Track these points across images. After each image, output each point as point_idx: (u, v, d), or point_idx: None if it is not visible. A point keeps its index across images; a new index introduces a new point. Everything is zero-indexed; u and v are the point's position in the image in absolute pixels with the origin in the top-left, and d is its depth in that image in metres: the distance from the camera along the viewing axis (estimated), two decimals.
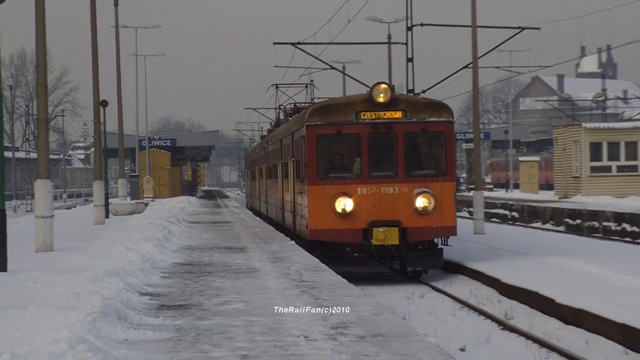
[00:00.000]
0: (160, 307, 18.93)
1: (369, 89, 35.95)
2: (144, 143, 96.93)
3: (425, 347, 14.31)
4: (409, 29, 48.96)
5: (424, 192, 28.86)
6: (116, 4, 68.47)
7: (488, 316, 25.88)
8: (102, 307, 16.52)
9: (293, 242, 39.97)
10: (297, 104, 56.44)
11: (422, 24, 50.31)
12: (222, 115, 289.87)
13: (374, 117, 29.66)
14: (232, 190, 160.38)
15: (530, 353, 20.55)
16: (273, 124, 68.65)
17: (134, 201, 72.44)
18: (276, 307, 18.69)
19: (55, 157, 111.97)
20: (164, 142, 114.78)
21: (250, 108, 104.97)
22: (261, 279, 23.84)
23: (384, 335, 15.35)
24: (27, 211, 47.09)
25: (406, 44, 52.61)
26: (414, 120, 29.44)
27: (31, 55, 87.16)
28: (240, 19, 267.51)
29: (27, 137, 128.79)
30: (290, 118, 53.94)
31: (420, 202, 28.88)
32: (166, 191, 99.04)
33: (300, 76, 67.52)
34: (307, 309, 18.30)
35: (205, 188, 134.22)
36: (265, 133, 77.92)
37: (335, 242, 30.96)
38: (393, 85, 30.06)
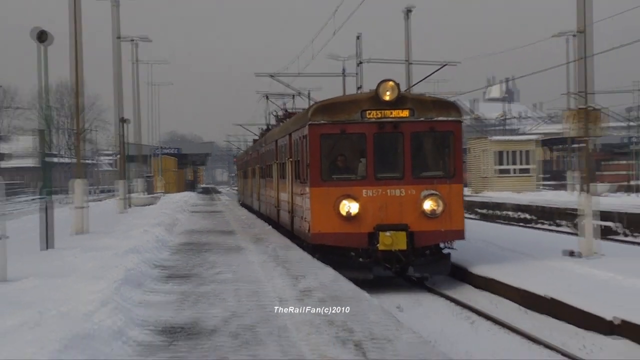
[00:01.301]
0: (169, 277, 18.92)
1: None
2: (157, 151, 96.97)
3: (371, 306, 14.39)
4: (359, 64, 49.04)
5: (432, 194, 22.14)
6: (135, 44, 68.21)
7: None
8: (125, 277, 16.57)
9: (270, 227, 37.24)
10: (287, 110, 47.95)
11: (368, 60, 50.38)
12: (216, 129, 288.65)
13: (379, 116, 22.70)
14: (223, 187, 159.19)
15: (450, 310, 20.51)
16: (264, 129, 57.59)
17: (149, 195, 72.17)
18: (257, 277, 18.74)
19: (88, 161, 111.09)
20: (172, 151, 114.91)
21: (238, 124, 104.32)
22: (246, 255, 23.85)
23: (339, 297, 15.38)
24: (68, 203, 46.81)
25: (357, 75, 54.48)
26: (422, 119, 22.64)
27: (71, 84, 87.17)
28: (230, 53, 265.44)
29: (68, 146, 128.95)
30: (282, 122, 43.61)
31: (428, 205, 22.13)
32: (173, 188, 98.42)
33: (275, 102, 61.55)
34: (280, 279, 18.32)
35: (203, 185, 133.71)
36: (257, 137, 64.72)
37: (339, 246, 23.05)
38: (399, 84, 23.24)
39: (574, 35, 50.38)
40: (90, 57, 41.21)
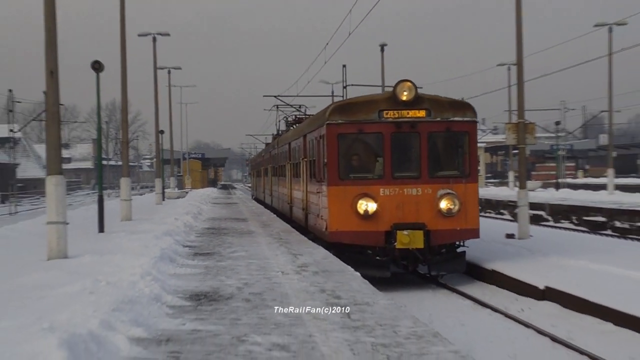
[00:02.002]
0: (195, 254, 18.92)
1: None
2: (185, 156, 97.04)
3: (354, 277, 14.42)
4: (344, 87, 48.95)
5: (448, 193, 18.76)
6: (169, 72, 68.06)
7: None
8: (161, 254, 16.56)
9: (275, 215, 36.30)
10: (297, 116, 43.14)
11: (352, 85, 50.25)
12: (232, 138, 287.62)
13: (397, 116, 19.02)
14: (238, 184, 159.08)
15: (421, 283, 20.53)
16: (275, 134, 52.31)
17: (179, 190, 72.28)
18: (265, 254, 18.77)
19: (132, 164, 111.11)
20: (197, 155, 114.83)
21: (249, 134, 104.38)
22: (255, 237, 23.80)
23: (329, 271, 15.40)
24: (116, 197, 46.70)
25: (343, 97, 54.32)
26: (438, 119, 19.07)
27: (118, 103, 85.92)
28: (244, 77, 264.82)
29: (115, 152, 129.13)
30: (292, 127, 39.49)
31: (445, 204, 18.70)
32: (198, 185, 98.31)
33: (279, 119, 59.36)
34: (283, 256, 18.35)
35: (222, 183, 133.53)
36: (266, 143, 60.85)
37: (356, 244, 19.29)
38: (416, 84, 19.70)
39: (513, 64, 50.68)
40: (134, 82, 41.41)
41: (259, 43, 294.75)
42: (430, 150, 19.15)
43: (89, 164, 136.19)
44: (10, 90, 78.64)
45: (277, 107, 50.46)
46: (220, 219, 34.51)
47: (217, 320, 10.54)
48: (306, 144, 24.84)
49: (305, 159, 24.77)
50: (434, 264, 19.11)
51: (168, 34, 55.16)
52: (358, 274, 15.37)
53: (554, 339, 13.66)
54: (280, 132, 48.95)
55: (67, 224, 17.57)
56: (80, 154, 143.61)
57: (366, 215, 18.65)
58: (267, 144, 58.32)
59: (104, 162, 55.90)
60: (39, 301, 11.14)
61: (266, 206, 47.57)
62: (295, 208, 29.56)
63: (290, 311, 11.10)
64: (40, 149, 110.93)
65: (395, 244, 18.29)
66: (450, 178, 19.11)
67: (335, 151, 19.09)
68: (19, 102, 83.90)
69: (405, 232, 18.20)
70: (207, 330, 9.92)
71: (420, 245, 18.30)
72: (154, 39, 54.49)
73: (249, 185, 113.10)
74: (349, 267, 16.34)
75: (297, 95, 50.33)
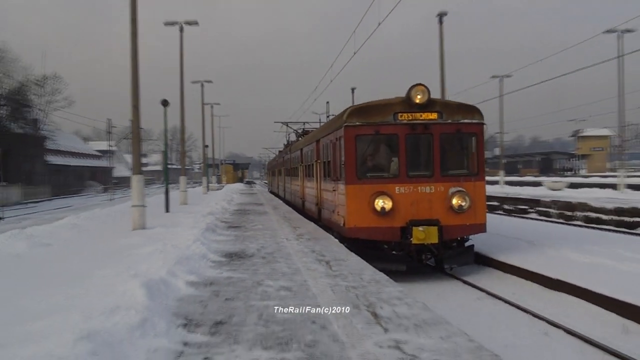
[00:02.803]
0: (229, 227, 18.84)
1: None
2: (223, 162, 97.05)
3: (334, 242, 14.39)
4: (327, 117, 48.52)
5: (459, 191, 14.72)
6: (212, 107, 67.88)
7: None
8: (206, 227, 16.48)
9: (281, 200, 36.08)
10: (305, 129, 37.72)
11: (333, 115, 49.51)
12: (253, 148, 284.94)
13: (411, 118, 14.96)
14: (257, 180, 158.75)
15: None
16: (286, 144, 45.54)
17: (218, 185, 72.12)
18: (274, 227, 18.72)
19: (187, 167, 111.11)
20: (230, 161, 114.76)
21: (265, 147, 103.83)
22: (269, 216, 23.74)
23: (318, 238, 15.34)
24: (177, 189, 46.86)
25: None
26: (449, 121, 14.98)
27: (177, 127, 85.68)
28: (261, 104, 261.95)
29: (176, 159, 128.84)
30: (301, 137, 33.76)
31: (457, 201, 14.63)
32: (231, 181, 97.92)
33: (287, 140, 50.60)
34: (287, 228, 18.29)
35: (247, 180, 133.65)
36: (279, 150, 53.36)
37: (372, 239, 14.92)
38: (429, 88, 15.47)
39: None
40: (188, 112, 41.33)
41: (279, 75, 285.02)
42: (442, 151, 14.84)
43: (159, 167, 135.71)
44: (109, 119, 79.74)
45: (287, 124, 45.49)
46: (245, 203, 34.47)
47: (243, 271, 10.52)
48: (319, 148, 19.98)
49: (319, 161, 20.09)
50: (447, 257, 14.71)
51: (211, 81, 54.98)
52: (335, 239, 14.92)
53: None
54: (290, 142, 43.60)
55: (145, 206, 17.53)
56: (154, 160, 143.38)
57: (383, 212, 14.20)
58: (280, 151, 51.61)
59: (169, 166, 55.99)
60: (127, 257, 11.12)
61: (279, 198, 42.56)
62: (307, 203, 24.25)
63: (292, 265, 11.10)
64: (128, 157, 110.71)
65: (411, 239, 13.96)
66: (460, 176, 14.83)
67: (353, 152, 14.61)
68: (114, 127, 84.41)
69: (420, 228, 13.95)
70: (237, 277, 9.90)
71: (435, 240, 14.08)
72: (202, 85, 54.34)
73: (265, 182, 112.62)
74: (331, 236, 15.84)
75: (298, 122, 47.67)
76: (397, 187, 14.34)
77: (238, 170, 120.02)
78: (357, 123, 14.33)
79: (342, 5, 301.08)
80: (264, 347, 5.94)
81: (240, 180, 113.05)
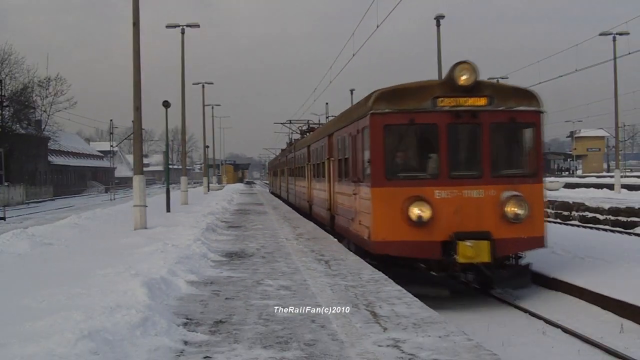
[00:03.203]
0: (229, 227, 18.83)
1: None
2: (223, 162, 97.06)
3: (334, 242, 14.34)
4: (327, 118, 48.57)
5: (514, 196, 10.66)
6: (212, 108, 67.87)
7: None
8: (207, 226, 16.47)
9: (281, 201, 35.66)
10: (310, 125, 34.18)
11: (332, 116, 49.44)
12: (254, 149, 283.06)
13: (454, 104, 10.76)
14: (257, 181, 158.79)
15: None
16: (289, 142, 42.19)
17: (219, 185, 72.05)
18: (274, 227, 18.69)
19: (188, 167, 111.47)
20: (230, 162, 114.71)
21: (265, 148, 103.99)
22: (269, 216, 23.73)
23: (317, 238, 15.32)
24: (177, 189, 46.71)
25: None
26: (502, 108, 10.79)
27: (179, 128, 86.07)
28: (261, 103, 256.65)
29: (177, 159, 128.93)
30: (305, 135, 30.16)
31: (512, 208, 10.58)
32: (231, 181, 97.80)
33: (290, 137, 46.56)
34: (286, 228, 18.27)
35: (247, 180, 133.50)
36: (284, 147, 47.65)
37: (406, 257, 10.92)
38: (477, 66, 10.53)
39: None
40: (189, 113, 41.31)
41: (279, 76, 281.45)
42: (493, 145, 11.33)
43: (160, 168, 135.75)
44: (111, 120, 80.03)
45: (290, 121, 41.66)
46: (245, 203, 34.44)
47: (243, 270, 10.49)
48: (332, 144, 16.68)
49: (332, 159, 16.73)
50: (500, 279, 11.07)
51: (212, 83, 54.94)
52: (335, 239, 14.58)
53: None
54: (293, 140, 39.42)
55: (146, 206, 17.49)
56: (155, 161, 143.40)
57: (419, 222, 10.77)
58: (282, 150, 46.93)
59: (170, 167, 55.82)
60: (129, 256, 11.08)
61: (282, 200, 38.75)
62: (316, 207, 20.89)
63: (291, 264, 11.07)
64: (129, 158, 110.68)
65: (456, 256, 10.53)
66: (514, 177, 11.34)
67: (381, 146, 11.18)
68: (116, 127, 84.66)
69: (468, 243, 10.52)
70: (237, 276, 9.87)
71: (487, 258, 10.56)
72: (203, 86, 54.33)
73: (265, 182, 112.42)
74: (330, 235, 15.50)
75: (300, 120, 42.20)
76: (436, 191, 10.98)
77: (238, 170, 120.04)
78: (387, 110, 11.10)
79: (341, 6, 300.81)
80: (263, 345, 5.92)
81: (241, 180, 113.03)
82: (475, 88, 11.09)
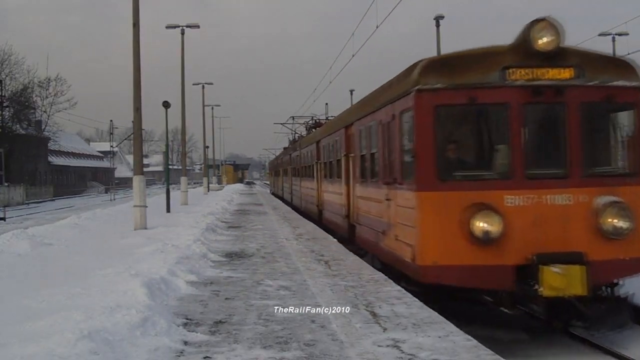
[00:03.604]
0: (229, 227, 18.82)
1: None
2: (223, 162, 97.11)
3: (333, 242, 14.31)
4: (327, 118, 48.38)
5: (614, 202, 6.79)
6: (212, 108, 67.86)
7: None
8: (206, 227, 16.45)
9: (281, 201, 35.55)
10: (315, 120, 30.74)
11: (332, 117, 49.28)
12: (253, 149, 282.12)
13: (531, 76, 6.79)
14: (257, 181, 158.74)
15: None
16: (292, 139, 38.00)
17: (219, 185, 72.07)
18: (274, 227, 18.69)
19: (188, 168, 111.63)
20: (230, 162, 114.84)
21: (265, 148, 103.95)
22: (268, 216, 23.72)
23: (317, 238, 15.31)
24: (177, 189, 46.63)
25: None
26: (594, 83, 6.76)
27: (179, 128, 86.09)
28: (260, 103, 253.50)
29: (177, 159, 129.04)
30: (312, 130, 27.45)
31: (612, 218, 6.64)
32: (231, 181, 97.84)
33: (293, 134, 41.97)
34: (286, 228, 18.26)
35: (247, 180, 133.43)
36: (286, 146, 42.92)
37: (468, 287, 7.09)
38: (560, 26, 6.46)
39: None
40: (189, 113, 41.35)
41: (279, 76, 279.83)
42: (584, 132, 8.08)
43: (160, 168, 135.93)
44: (111, 120, 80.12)
45: (293, 118, 37.86)
46: (245, 204, 34.43)
47: (243, 270, 10.48)
48: (351, 137, 13.53)
49: (351, 155, 13.59)
50: (596, 316, 7.82)
51: (212, 83, 54.94)
52: (334, 239, 14.51)
53: None
54: (297, 136, 35.99)
55: (146, 207, 17.48)
56: (155, 161, 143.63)
57: (485, 240, 7.74)
58: (285, 148, 42.53)
59: (170, 167, 55.86)
60: (129, 256, 11.07)
61: (285, 202, 35.70)
62: (329, 213, 17.62)
63: (291, 264, 11.06)
64: (129, 158, 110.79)
65: (539, 287, 7.46)
66: (612, 177, 8.20)
67: (431, 134, 8.09)
68: (116, 127, 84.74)
69: (556, 269, 7.41)
70: (237, 276, 9.87)
71: (582, 289, 7.42)
72: (203, 87, 54.33)
73: (266, 182, 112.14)
74: (329, 236, 15.40)
75: (304, 116, 38.21)
76: (508, 196, 7.82)
77: (238, 170, 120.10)
78: (438, 85, 8.01)
79: (341, 7, 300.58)
80: (263, 346, 5.91)
81: (241, 180, 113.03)
82: (559, 55, 7.93)
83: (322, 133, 19.67)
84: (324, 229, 17.28)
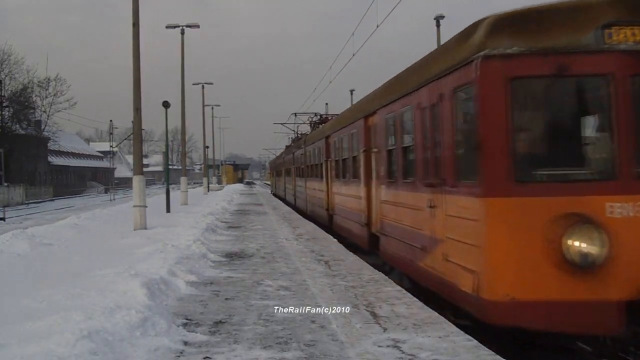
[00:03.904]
0: (229, 227, 18.81)
1: None
2: (223, 162, 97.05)
3: (333, 243, 14.31)
4: (327, 118, 48.08)
5: None
6: (212, 108, 67.78)
7: None
8: (206, 227, 16.45)
9: (281, 201, 35.48)
10: (321, 115, 27.78)
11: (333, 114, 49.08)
12: (253, 149, 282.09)
13: (638, 38, 3.87)
14: (257, 181, 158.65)
15: None
16: (295, 137, 36.05)
17: (219, 185, 72.03)
18: (274, 227, 18.67)
19: (188, 168, 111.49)
20: (230, 162, 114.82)
21: (265, 149, 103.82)
22: (268, 216, 23.71)
23: (317, 238, 15.31)
24: (177, 189, 46.62)
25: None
26: None
27: (179, 128, 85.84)
28: (259, 102, 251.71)
29: (177, 159, 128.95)
30: (319, 126, 24.51)
31: None
32: (231, 181, 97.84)
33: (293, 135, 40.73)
34: (286, 229, 18.25)
35: (247, 180, 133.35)
36: (284, 147, 42.40)
37: (557, 331, 4.39)
38: None
39: None
40: (189, 113, 41.34)
41: (279, 76, 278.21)
42: None
43: (160, 168, 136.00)
44: (111, 120, 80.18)
45: (296, 115, 34.86)
46: (245, 204, 34.41)
47: (243, 270, 10.47)
48: (372, 128, 11.38)
49: (374, 151, 11.25)
50: None
51: (212, 83, 54.95)
52: (334, 239, 14.59)
53: None
54: (299, 135, 34.13)
55: (146, 207, 17.47)
56: (155, 161, 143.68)
57: (584, 265, 5.34)
58: (287, 146, 39.73)
59: (170, 167, 55.81)
60: (128, 256, 11.07)
61: (287, 203, 33.44)
62: (342, 219, 15.36)
63: (291, 264, 11.05)
64: (129, 158, 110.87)
65: None
66: None
67: (504, 117, 5.62)
68: (116, 127, 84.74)
69: None
70: (237, 277, 9.86)
71: None
72: (203, 87, 54.34)
73: (266, 182, 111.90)
74: (330, 236, 15.46)
75: (307, 113, 34.02)
76: (612, 204, 5.63)
77: (238, 170, 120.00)
78: (514, 50, 5.73)
79: (341, 7, 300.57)
80: (263, 346, 5.90)
81: (240, 180, 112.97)
82: None
83: (333, 127, 16.69)
84: (334, 236, 15.33)
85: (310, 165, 22.23)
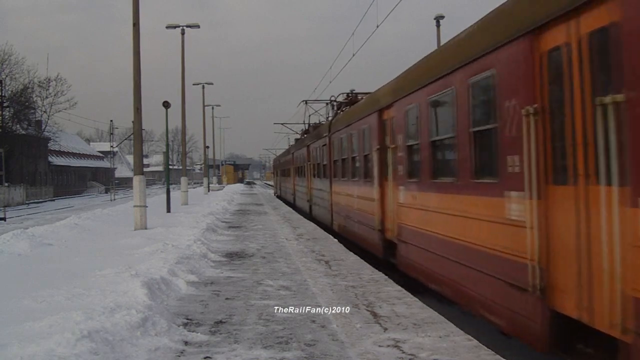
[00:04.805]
0: (229, 227, 18.81)
1: None
2: (223, 162, 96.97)
3: (334, 242, 14.32)
4: (327, 119, 48.11)
5: None
6: (212, 108, 67.74)
7: None
8: (207, 227, 16.45)
9: (281, 201, 36.05)
10: (350, 94, 20.26)
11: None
12: (254, 149, 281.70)
13: None
14: (257, 181, 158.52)
15: None
16: (303, 130, 32.08)
17: (219, 185, 71.98)
18: (274, 227, 18.66)
19: (188, 168, 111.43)
20: (231, 162, 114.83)
21: (265, 149, 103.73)
22: (268, 216, 23.72)
23: (317, 238, 15.31)
24: (178, 189, 46.52)
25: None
26: None
27: (179, 128, 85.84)
28: (257, 103, 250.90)
29: (178, 160, 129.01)
30: (340, 111, 18.68)
31: None
32: (231, 181, 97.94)
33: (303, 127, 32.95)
34: (286, 228, 18.25)
35: (247, 180, 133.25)
36: (284, 147, 37.57)
37: None
38: None
39: None
40: (189, 114, 41.35)
41: (279, 76, 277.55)
42: None
43: (160, 168, 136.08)
44: (111, 120, 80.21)
45: (306, 103, 30.08)
46: (246, 204, 34.40)
47: (243, 270, 10.48)
48: (387, 122, 10.08)
49: (391, 147, 9.90)
50: None
51: (212, 83, 54.92)
52: (335, 240, 14.60)
53: None
54: (310, 125, 29.46)
55: (147, 207, 17.46)
56: (155, 161, 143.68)
57: None
58: (297, 140, 34.75)
59: (170, 167, 55.78)
60: (129, 256, 11.07)
61: (296, 208, 29.11)
62: (359, 225, 13.03)
63: (291, 264, 11.05)
64: (130, 158, 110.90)
65: None
66: None
67: None
68: (116, 128, 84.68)
69: None
70: (237, 276, 9.86)
71: None
72: (203, 87, 54.33)
73: (266, 182, 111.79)
74: (330, 236, 15.50)
75: (320, 100, 29.69)
76: None
77: (238, 170, 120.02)
78: None
79: (341, 7, 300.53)
80: (264, 346, 5.90)
81: (241, 180, 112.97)
82: None
83: (360, 112, 13.10)
84: (353, 250, 12.96)
85: (345, 159, 15.16)
